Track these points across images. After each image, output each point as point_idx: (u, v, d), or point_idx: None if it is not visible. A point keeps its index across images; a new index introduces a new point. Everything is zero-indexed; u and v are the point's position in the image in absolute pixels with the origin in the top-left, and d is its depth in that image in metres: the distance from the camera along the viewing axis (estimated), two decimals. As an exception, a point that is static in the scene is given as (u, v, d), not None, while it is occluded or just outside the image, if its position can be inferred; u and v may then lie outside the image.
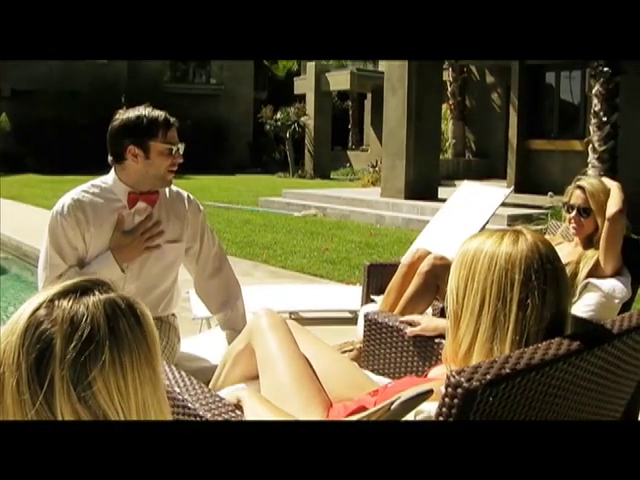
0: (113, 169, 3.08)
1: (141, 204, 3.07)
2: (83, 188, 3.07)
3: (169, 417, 1.21)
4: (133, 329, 1.13)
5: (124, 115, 3.00)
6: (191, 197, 3.29)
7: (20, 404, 1.08)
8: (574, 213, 3.63)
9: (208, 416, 2.07)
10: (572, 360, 1.62)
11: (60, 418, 1.08)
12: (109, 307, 1.12)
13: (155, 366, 1.16)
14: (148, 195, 3.07)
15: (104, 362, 1.09)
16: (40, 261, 3.07)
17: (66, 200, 3.03)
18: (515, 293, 1.69)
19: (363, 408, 2.16)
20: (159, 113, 3.01)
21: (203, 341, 3.59)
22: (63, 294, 1.13)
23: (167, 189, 3.19)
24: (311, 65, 25.59)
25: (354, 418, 2.01)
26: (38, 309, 1.12)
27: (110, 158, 3.05)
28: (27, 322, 1.10)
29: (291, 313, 5.17)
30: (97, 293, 1.14)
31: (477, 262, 1.73)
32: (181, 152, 3.05)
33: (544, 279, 1.70)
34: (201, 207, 3.31)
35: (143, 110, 3.00)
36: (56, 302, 1.12)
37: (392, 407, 1.78)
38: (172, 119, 3.04)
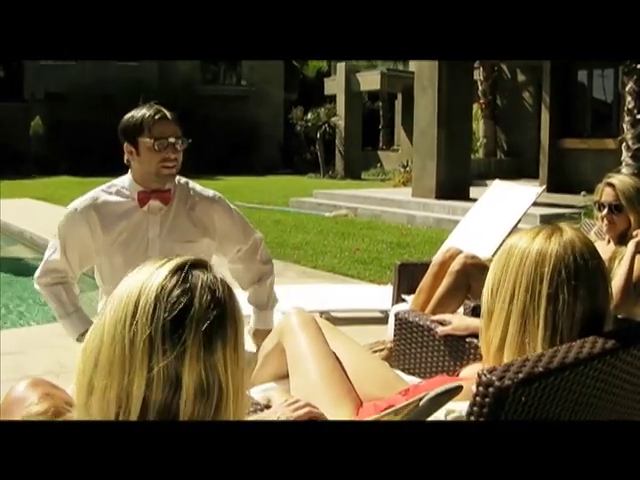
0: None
1: (154, 202, 3.04)
2: (102, 187, 3.12)
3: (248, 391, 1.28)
4: (239, 309, 1.20)
5: (125, 116, 3.03)
6: (217, 197, 3.22)
7: (146, 359, 1.10)
8: (605, 211, 3.61)
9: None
10: (607, 359, 1.59)
11: (183, 381, 1.11)
12: (227, 286, 1.19)
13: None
14: (160, 193, 3.04)
15: (227, 335, 1.15)
16: (46, 251, 3.17)
17: (83, 198, 3.09)
18: (544, 287, 1.69)
19: (394, 407, 2.15)
20: (150, 109, 2.96)
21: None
22: (192, 265, 1.17)
23: (191, 188, 3.16)
24: (341, 66, 25.56)
25: (382, 413, 1.99)
26: (171, 275, 1.15)
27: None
28: (162, 284, 1.13)
29: (322, 313, 5.15)
30: (213, 270, 1.20)
31: (511, 257, 1.75)
32: (179, 148, 2.96)
33: (575, 274, 1.69)
34: (232, 207, 3.27)
35: (140, 109, 2.98)
36: (191, 272, 1.16)
37: (421, 403, 1.77)
38: (161, 113, 2.95)
